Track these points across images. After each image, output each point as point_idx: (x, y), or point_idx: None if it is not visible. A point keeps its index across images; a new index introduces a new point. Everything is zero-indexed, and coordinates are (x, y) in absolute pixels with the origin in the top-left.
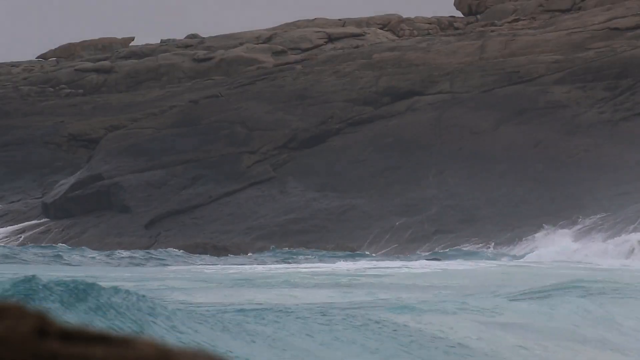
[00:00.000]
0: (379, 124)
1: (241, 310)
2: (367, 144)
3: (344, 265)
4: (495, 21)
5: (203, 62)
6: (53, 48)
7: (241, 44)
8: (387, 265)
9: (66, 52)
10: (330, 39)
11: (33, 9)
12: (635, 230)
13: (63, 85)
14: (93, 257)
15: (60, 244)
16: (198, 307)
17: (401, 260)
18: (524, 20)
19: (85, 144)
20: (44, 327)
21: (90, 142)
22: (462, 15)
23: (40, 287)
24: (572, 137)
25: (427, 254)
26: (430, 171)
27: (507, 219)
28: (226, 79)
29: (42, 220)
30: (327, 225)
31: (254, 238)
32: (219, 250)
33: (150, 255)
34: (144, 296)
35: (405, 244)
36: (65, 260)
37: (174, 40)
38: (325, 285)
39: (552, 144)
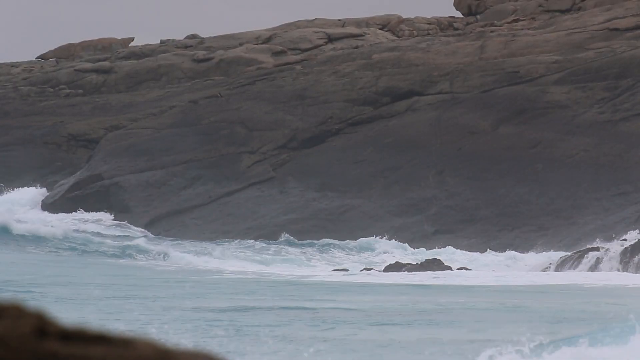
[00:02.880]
0: (378, 124)
1: None
2: (367, 144)
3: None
4: (495, 21)
5: (203, 62)
6: (53, 48)
7: (241, 44)
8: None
9: (66, 52)
10: (330, 39)
11: (33, 9)
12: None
13: (63, 86)
14: None
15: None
16: None
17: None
18: (523, 20)
19: (85, 144)
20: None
21: (90, 142)
22: (461, 16)
23: None
24: (572, 137)
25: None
26: (430, 171)
27: (507, 219)
28: (226, 79)
29: None
30: (327, 225)
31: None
32: None
33: None
34: None
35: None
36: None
37: (173, 40)
38: None
39: (552, 144)
